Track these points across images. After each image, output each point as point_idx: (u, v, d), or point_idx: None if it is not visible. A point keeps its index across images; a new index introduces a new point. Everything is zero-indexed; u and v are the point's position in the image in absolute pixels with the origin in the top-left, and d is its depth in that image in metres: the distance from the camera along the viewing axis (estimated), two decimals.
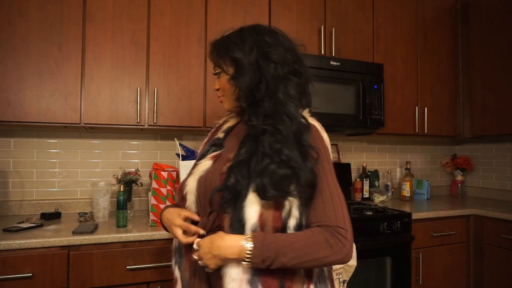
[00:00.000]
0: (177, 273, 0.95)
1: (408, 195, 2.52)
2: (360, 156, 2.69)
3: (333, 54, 2.16)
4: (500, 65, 2.36)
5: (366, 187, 2.49)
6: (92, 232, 1.46)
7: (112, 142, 2.06)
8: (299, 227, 0.82)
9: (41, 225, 1.58)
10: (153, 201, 1.63)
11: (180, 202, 0.97)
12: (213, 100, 1.88)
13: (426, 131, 2.47)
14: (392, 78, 2.37)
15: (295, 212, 0.82)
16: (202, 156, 0.97)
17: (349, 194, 2.49)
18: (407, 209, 2.12)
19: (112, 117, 1.73)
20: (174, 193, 1.66)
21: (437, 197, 2.76)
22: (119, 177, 1.82)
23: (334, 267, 1.64)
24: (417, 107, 2.44)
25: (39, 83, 1.62)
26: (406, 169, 2.60)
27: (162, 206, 1.62)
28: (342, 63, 2.10)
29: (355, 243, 1.72)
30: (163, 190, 1.64)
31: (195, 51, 1.86)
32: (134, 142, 2.10)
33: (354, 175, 2.61)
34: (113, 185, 1.82)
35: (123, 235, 1.45)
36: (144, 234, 1.48)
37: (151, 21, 1.80)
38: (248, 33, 0.91)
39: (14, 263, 1.31)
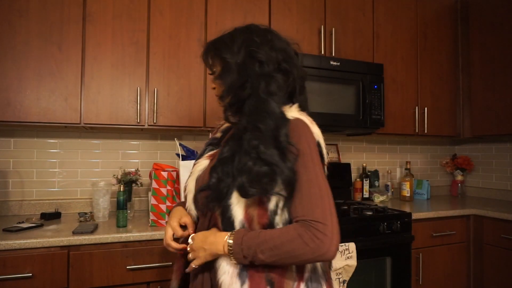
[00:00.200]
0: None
1: (408, 195, 2.52)
2: (360, 156, 2.69)
3: (333, 54, 2.16)
4: (500, 65, 2.37)
5: (366, 187, 2.49)
6: (92, 232, 1.46)
7: (112, 142, 2.06)
8: (287, 223, 0.82)
9: (41, 225, 1.58)
10: (153, 201, 1.63)
11: (184, 202, 1.00)
12: (213, 100, 1.88)
13: (426, 131, 2.47)
14: (392, 78, 2.37)
15: (282, 208, 0.82)
16: (200, 156, 1.00)
17: (349, 194, 2.49)
18: (407, 209, 2.12)
19: (112, 117, 1.73)
20: (174, 193, 1.66)
21: (437, 197, 2.76)
22: (119, 177, 1.82)
23: (334, 267, 1.64)
24: (417, 107, 2.44)
25: (39, 83, 1.62)
26: (406, 169, 2.60)
27: (162, 206, 1.62)
28: (342, 63, 2.10)
29: (355, 243, 1.72)
30: (163, 190, 1.64)
31: (195, 51, 1.86)
32: (134, 142, 2.10)
33: (354, 175, 2.61)
34: (113, 185, 1.82)
35: (123, 235, 1.45)
36: (144, 234, 1.48)
37: (151, 21, 1.80)
38: (240, 33, 0.92)
39: (14, 263, 1.31)
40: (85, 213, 1.77)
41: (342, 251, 1.68)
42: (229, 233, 0.81)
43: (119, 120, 1.74)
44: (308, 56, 2.01)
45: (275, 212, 0.82)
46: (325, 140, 0.90)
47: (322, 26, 2.14)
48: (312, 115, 0.93)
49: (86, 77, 1.69)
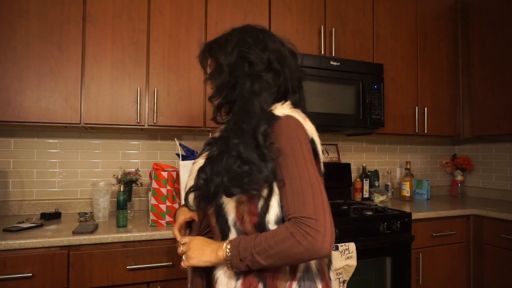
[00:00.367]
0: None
1: (408, 195, 2.52)
2: (360, 156, 2.69)
3: (333, 54, 2.16)
4: (500, 65, 2.37)
5: (366, 187, 2.49)
6: (92, 232, 1.46)
7: (112, 142, 2.06)
8: (280, 220, 0.81)
9: (41, 225, 1.58)
10: (153, 201, 1.63)
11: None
12: None
13: (426, 131, 2.47)
14: (392, 78, 2.37)
15: (275, 206, 0.81)
16: (199, 156, 1.02)
17: (349, 194, 2.49)
18: (407, 209, 2.12)
19: (112, 117, 1.73)
20: (174, 193, 1.66)
21: (437, 197, 2.76)
22: (119, 177, 1.82)
23: (334, 267, 1.64)
24: (417, 107, 2.44)
25: (39, 83, 1.62)
26: (406, 169, 2.60)
27: (162, 206, 1.62)
28: (342, 63, 2.10)
29: (355, 243, 1.72)
30: (163, 190, 1.64)
31: (195, 51, 1.86)
32: (134, 142, 2.10)
33: (354, 175, 2.61)
34: (113, 185, 1.82)
35: (123, 235, 1.45)
36: (144, 234, 1.48)
37: (151, 21, 1.80)
38: (235, 34, 0.92)
39: (14, 263, 1.31)
40: (85, 213, 1.77)
41: (342, 251, 1.68)
42: (227, 241, 0.82)
43: (119, 120, 1.74)
44: (308, 56, 2.01)
45: (265, 210, 0.81)
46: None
47: (322, 26, 2.14)
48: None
49: (86, 77, 1.69)
